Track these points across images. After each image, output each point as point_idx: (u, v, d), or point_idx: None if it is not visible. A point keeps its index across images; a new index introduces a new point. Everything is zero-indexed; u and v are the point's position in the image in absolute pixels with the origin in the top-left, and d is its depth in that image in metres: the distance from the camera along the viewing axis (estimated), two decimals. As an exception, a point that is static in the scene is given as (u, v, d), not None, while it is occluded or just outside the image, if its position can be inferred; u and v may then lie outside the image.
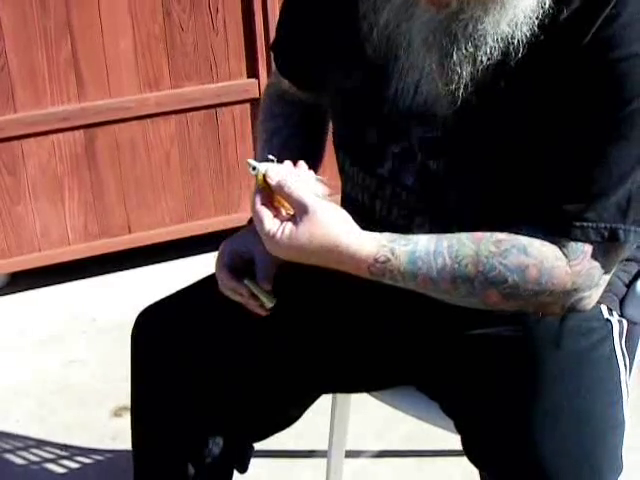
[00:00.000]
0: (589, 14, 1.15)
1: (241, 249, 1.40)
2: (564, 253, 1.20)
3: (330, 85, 1.40)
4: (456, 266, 1.21)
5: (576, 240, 1.19)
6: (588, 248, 1.20)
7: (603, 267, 1.22)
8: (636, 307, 1.46)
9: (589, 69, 1.15)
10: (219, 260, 1.41)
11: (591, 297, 1.25)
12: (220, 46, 3.01)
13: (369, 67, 1.30)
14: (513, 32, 1.16)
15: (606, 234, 1.19)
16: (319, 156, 1.56)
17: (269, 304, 1.37)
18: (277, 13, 2.47)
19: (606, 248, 1.21)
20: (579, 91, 1.16)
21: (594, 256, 1.20)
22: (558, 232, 1.20)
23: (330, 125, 1.52)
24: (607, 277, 1.25)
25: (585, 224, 1.19)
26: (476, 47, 1.18)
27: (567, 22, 1.16)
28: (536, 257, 1.20)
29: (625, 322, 1.43)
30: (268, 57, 2.96)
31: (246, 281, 1.37)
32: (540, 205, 1.21)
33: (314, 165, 1.49)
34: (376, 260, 1.21)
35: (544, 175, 1.21)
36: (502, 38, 1.17)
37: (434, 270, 1.21)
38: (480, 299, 1.23)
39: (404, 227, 1.30)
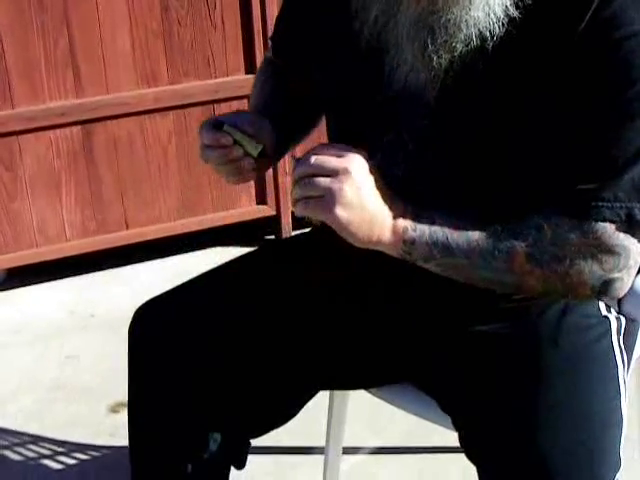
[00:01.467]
0: None
1: (220, 116, 1.39)
2: (582, 229, 1.20)
3: (325, 79, 1.41)
4: (485, 221, 1.23)
5: (594, 220, 1.20)
6: (607, 226, 1.20)
7: (627, 246, 1.21)
8: (634, 304, 1.47)
9: (593, 50, 1.16)
10: (202, 126, 1.38)
11: (623, 280, 1.24)
12: (218, 42, 3.01)
13: (362, 61, 1.32)
14: (488, 18, 1.17)
15: (622, 214, 1.19)
16: (312, 116, 1.59)
17: (254, 151, 1.33)
18: (275, 8, 2.47)
19: (626, 227, 1.20)
20: (584, 72, 1.17)
21: (613, 234, 1.20)
22: (576, 212, 1.20)
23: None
24: (638, 258, 1.23)
25: (600, 204, 1.19)
26: (450, 35, 1.20)
27: (560, 4, 1.16)
28: (551, 220, 1.21)
29: (623, 319, 1.43)
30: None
31: (226, 127, 1.33)
32: (555, 188, 1.22)
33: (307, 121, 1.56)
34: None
35: (556, 157, 1.21)
36: (476, 24, 1.18)
37: (467, 219, 1.24)
38: (506, 258, 1.22)
39: None
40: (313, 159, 1.21)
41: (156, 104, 2.98)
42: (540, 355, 1.31)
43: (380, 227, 1.23)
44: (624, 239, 1.21)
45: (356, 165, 1.20)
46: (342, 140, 1.42)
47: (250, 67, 3.05)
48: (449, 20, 1.19)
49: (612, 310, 1.42)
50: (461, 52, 1.20)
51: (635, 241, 1.21)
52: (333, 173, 1.19)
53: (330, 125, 1.48)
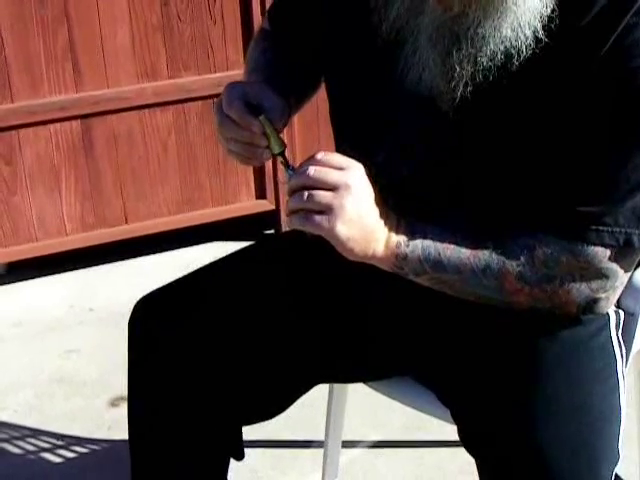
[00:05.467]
0: (608, 22, 1.15)
1: (250, 92, 1.33)
2: (574, 251, 1.22)
3: (333, 70, 1.40)
4: (477, 238, 1.24)
5: (591, 244, 1.21)
6: (599, 250, 1.21)
7: (617, 270, 1.24)
8: (633, 298, 1.47)
9: (610, 77, 1.16)
10: (230, 94, 1.32)
11: (608, 299, 1.27)
12: (218, 36, 3.01)
13: (375, 56, 1.31)
14: (517, 36, 1.17)
15: (621, 239, 1.21)
16: (312, 82, 1.55)
17: (277, 149, 1.30)
18: (275, 3, 2.44)
19: (620, 252, 1.22)
20: (599, 97, 1.17)
21: (606, 258, 1.22)
22: (573, 235, 1.22)
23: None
24: (624, 280, 1.27)
25: (601, 228, 1.20)
26: (477, 49, 1.19)
27: (584, 29, 1.16)
28: (543, 241, 1.22)
29: (622, 313, 1.43)
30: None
31: (262, 117, 1.29)
32: (555, 207, 1.23)
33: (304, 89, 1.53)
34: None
35: (560, 177, 1.22)
36: (504, 42, 1.18)
37: (461, 235, 1.25)
38: (497, 277, 1.24)
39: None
40: (312, 171, 1.18)
41: (156, 98, 2.98)
42: (539, 348, 1.31)
43: (376, 242, 1.23)
44: (614, 263, 1.23)
45: (357, 180, 1.19)
46: (345, 134, 1.42)
47: (250, 61, 3.04)
48: (477, 33, 1.18)
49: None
50: (484, 66, 1.19)
51: (623, 264, 1.24)
52: (333, 188, 1.18)
53: (334, 118, 1.47)
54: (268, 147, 1.31)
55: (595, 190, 1.20)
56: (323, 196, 1.17)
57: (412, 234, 1.25)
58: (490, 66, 1.19)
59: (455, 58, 1.20)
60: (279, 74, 1.47)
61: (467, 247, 1.25)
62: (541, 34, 1.17)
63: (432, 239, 1.25)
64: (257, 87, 1.35)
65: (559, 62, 1.18)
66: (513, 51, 1.18)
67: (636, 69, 1.15)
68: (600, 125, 1.18)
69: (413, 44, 1.25)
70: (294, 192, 1.20)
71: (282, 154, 1.30)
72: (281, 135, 1.32)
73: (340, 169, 1.19)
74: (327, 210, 1.17)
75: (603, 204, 1.20)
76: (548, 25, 1.17)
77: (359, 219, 1.19)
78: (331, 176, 1.18)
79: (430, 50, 1.23)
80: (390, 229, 1.25)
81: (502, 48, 1.18)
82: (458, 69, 1.20)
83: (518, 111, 1.21)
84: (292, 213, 1.21)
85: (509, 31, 1.17)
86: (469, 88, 1.20)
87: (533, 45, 1.17)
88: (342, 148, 1.42)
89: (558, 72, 1.18)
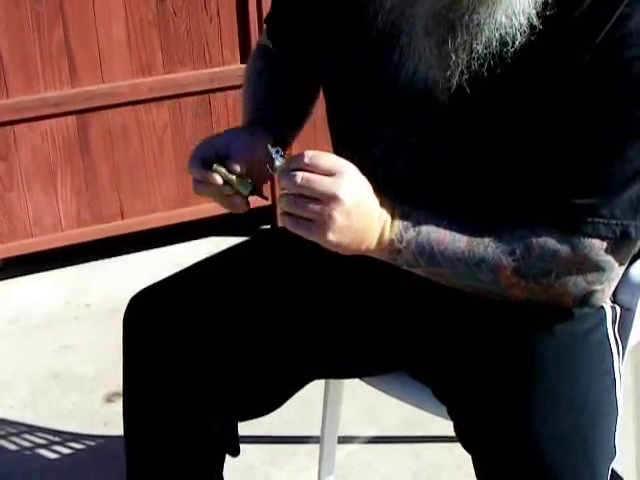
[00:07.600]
0: (602, 12, 1.15)
1: (217, 143, 1.35)
2: (571, 244, 1.22)
3: (329, 64, 1.40)
4: (473, 231, 1.25)
5: (587, 236, 1.21)
6: (596, 242, 1.21)
7: (613, 262, 1.24)
8: (629, 293, 1.47)
9: (605, 67, 1.16)
10: (192, 154, 1.36)
11: (604, 291, 1.27)
12: (213, 31, 3.01)
13: (371, 49, 1.31)
14: (511, 23, 1.17)
15: (617, 231, 1.21)
16: (307, 108, 1.57)
17: (245, 191, 1.31)
18: (270, -3, 2.42)
19: (616, 244, 1.22)
20: (593, 88, 1.17)
21: (602, 250, 1.22)
22: (569, 227, 1.21)
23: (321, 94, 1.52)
24: (620, 272, 1.26)
25: (597, 220, 1.20)
26: (472, 36, 1.19)
27: (578, 19, 1.16)
28: (539, 234, 1.22)
29: (618, 308, 1.43)
30: (262, 43, 2.95)
31: (215, 167, 1.30)
32: (550, 200, 1.23)
33: (301, 117, 1.55)
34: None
35: (555, 170, 1.22)
36: (499, 29, 1.18)
37: (456, 226, 1.25)
38: (492, 271, 1.24)
39: None
40: (299, 178, 1.17)
41: (151, 94, 2.98)
42: (535, 343, 1.31)
43: (369, 241, 1.24)
44: (610, 255, 1.23)
45: (345, 189, 1.17)
46: (342, 129, 1.42)
47: (246, 57, 3.04)
48: (472, 20, 1.18)
49: (607, 299, 1.42)
50: (479, 54, 1.19)
51: (619, 257, 1.24)
52: (322, 197, 1.17)
53: (330, 112, 1.47)
54: (238, 193, 1.32)
55: (590, 182, 1.20)
56: (311, 208, 1.17)
57: (406, 229, 1.25)
58: (485, 54, 1.19)
59: (450, 46, 1.20)
60: (275, 98, 1.49)
61: (462, 241, 1.25)
62: (536, 21, 1.17)
63: (427, 233, 1.25)
64: (224, 135, 1.37)
65: (553, 51, 1.18)
66: (508, 38, 1.18)
67: (630, 59, 1.15)
68: (594, 116, 1.18)
69: (408, 35, 1.25)
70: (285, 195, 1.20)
71: (253, 193, 1.31)
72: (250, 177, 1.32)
73: (330, 174, 1.18)
74: (316, 219, 1.18)
75: (598, 196, 1.20)
76: (543, 13, 1.17)
77: (348, 227, 1.19)
78: (319, 186, 1.17)
79: (425, 40, 1.23)
80: (383, 227, 1.25)
81: (497, 35, 1.18)
82: (454, 57, 1.20)
83: (513, 100, 1.21)
84: (284, 214, 1.21)
85: (503, 18, 1.17)
86: (465, 77, 1.21)
87: (528, 32, 1.17)
88: (339, 145, 1.42)
89: (552, 61, 1.18)
